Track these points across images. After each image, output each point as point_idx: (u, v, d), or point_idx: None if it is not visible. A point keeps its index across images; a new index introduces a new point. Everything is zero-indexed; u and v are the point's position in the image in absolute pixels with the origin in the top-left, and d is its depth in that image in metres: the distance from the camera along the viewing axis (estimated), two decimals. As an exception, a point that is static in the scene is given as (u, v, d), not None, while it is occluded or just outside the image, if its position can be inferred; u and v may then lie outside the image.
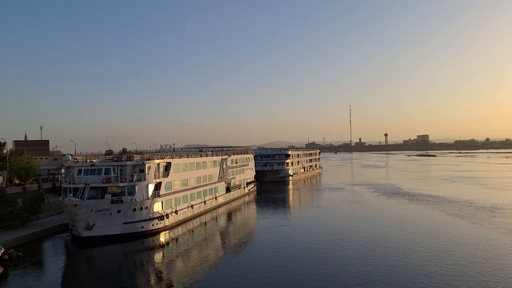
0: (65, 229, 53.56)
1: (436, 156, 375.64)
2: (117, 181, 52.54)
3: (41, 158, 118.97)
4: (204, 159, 75.46)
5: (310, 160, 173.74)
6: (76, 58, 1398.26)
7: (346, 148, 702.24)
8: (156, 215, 54.71)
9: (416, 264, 37.04)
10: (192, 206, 65.78)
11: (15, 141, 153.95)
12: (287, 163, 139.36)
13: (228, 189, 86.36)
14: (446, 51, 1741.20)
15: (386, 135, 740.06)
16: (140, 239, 50.77)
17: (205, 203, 71.93)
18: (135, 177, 53.19)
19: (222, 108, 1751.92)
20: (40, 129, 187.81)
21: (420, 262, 37.61)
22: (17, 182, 77.40)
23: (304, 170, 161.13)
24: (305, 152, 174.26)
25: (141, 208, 52.56)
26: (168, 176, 59.61)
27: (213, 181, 77.49)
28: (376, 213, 67.91)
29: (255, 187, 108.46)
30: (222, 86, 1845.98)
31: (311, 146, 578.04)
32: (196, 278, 35.11)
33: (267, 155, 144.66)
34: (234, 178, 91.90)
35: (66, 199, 49.94)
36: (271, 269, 37.05)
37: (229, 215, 71.51)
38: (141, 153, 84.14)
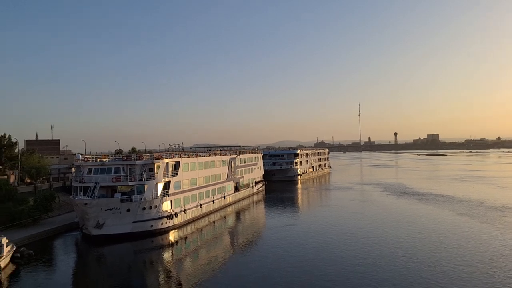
0: (76, 227, 54.11)
1: (446, 155, 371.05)
2: (127, 180, 52.97)
3: (52, 157, 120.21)
4: (212, 158, 75.72)
5: (319, 159, 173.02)
6: (86, 57, 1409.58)
7: (355, 147, 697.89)
8: (165, 214, 55.05)
9: (425, 265, 36.76)
10: (200, 205, 66.05)
11: (27, 140, 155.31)
12: (296, 163, 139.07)
13: (236, 188, 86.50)
14: (446, 51, 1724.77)
15: (395, 134, 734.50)
16: (150, 238, 51.10)
17: (213, 202, 72.14)
18: (144, 176, 53.62)
19: (222, 108, 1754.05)
20: (51, 129, 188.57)
21: (429, 263, 37.32)
22: (29, 181, 78.24)
23: (313, 170, 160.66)
24: (314, 151, 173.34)
25: (150, 207, 52.95)
26: (177, 175, 59.92)
27: (221, 180, 77.69)
28: (385, 212, 67.51)
29: (264, 187, 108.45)
30: (222, 86, 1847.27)
31: (320, 145, 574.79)
32: (205, 277, 35.28)
33: (275, 154, 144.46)
34: (243, 177, 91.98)
35: (76, 198, 50.46)
36: (280, 269, 37.05)
37: (238, 214, 71.65)
38: (150, 152, 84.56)
